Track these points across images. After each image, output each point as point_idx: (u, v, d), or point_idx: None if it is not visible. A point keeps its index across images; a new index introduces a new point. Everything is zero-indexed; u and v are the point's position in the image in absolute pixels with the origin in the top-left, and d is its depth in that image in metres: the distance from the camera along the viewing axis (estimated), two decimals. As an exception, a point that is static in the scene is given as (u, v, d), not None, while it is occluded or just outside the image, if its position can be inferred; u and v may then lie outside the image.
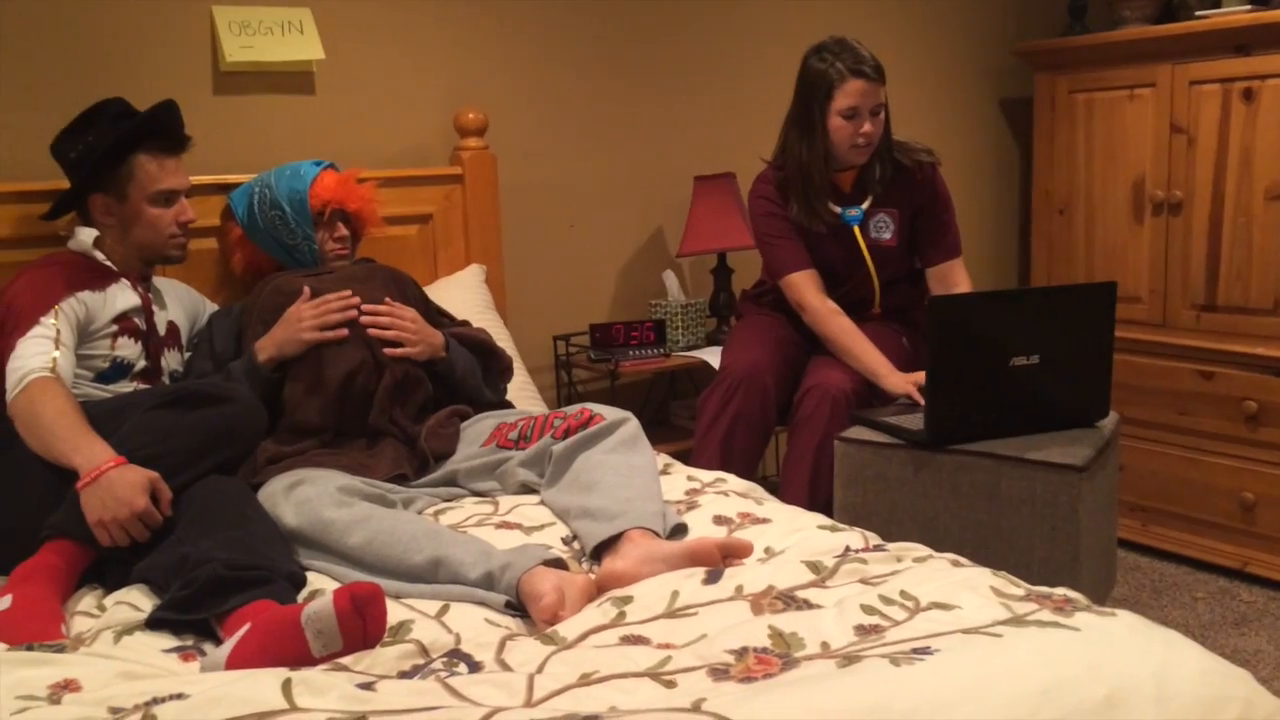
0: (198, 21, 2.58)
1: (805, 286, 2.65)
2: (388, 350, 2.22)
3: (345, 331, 2.19)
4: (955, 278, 2.75)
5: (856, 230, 2.69)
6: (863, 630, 1.34)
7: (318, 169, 2.45)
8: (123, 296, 2.17)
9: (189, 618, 1.56)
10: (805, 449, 2.47)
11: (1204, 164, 3.29)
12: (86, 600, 1.72)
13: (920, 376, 2.43)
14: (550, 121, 3.08)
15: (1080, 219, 3.64)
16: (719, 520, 1.88)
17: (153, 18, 2.53)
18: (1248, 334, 3.23)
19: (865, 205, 2.69)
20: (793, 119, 2.66)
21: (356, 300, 2.22)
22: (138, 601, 1.66)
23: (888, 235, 2.71)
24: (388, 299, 2.29)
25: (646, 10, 3.20)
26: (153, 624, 1.57)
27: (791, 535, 1.77)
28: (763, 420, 2.58)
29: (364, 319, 2.22)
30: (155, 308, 2.24)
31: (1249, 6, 3.25)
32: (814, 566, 1.58)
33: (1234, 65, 3.18)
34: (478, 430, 2.25)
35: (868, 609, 1.39)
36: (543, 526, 1.92)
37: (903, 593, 1.43)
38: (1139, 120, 3.44)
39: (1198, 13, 3.38)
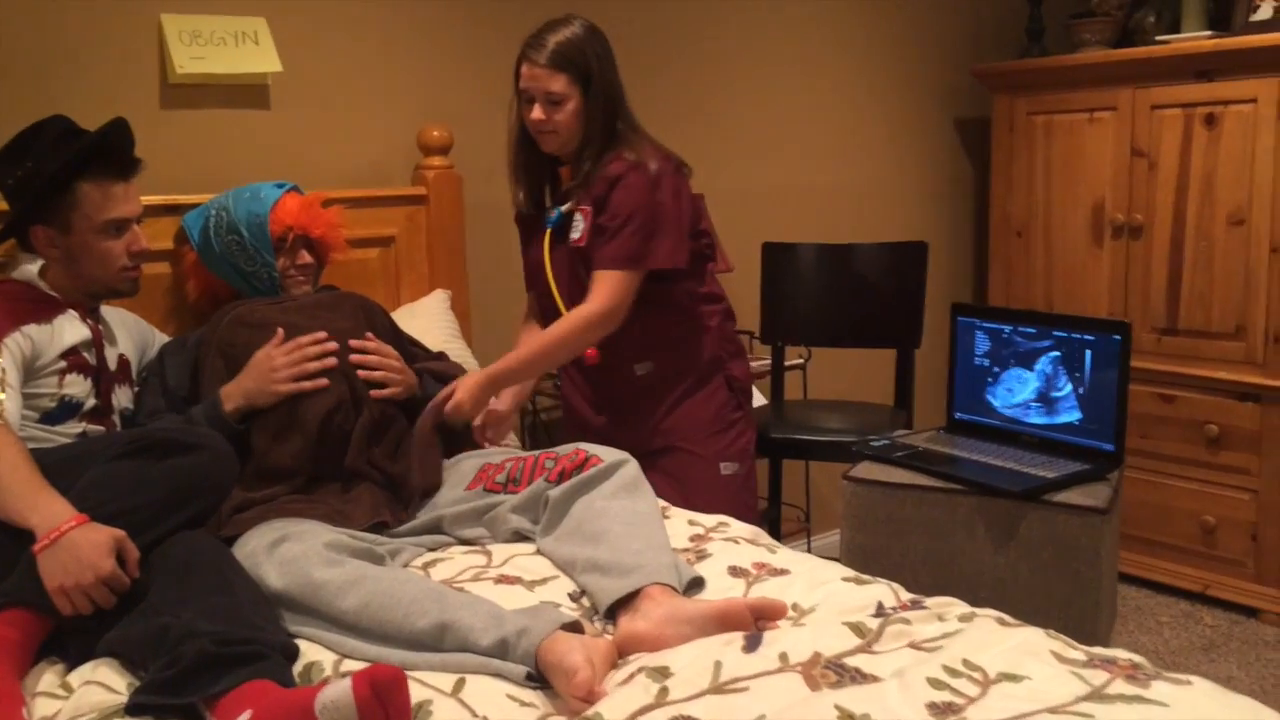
0: (144, 30, 2.39)
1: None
2: (374, 392, 2.07)
3: (325, 382, 2.03)
4: (591, 287, 2.29)
5: (547, 234, 2.39)
6: (937, 709, 1.25)
7: (280, 191, 2.29)
8: (71, 329, 1.99)
9: (176, 701, 1.40)
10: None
11: (1165, 188, 3.31)
12: (48, 678, 1.54)
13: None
14: (516, 139, 2.95)
15: (1039, 241, 3.64)
16: (735, 571, 1.77)
17: (95, 25, 2.34)
18: (1209, 358, 3.25)
19: (565, 207, 2.36)
20: None
21: (334, 346, 2.07)
22: (109, 680, 1.49)
23: (578, 235, 2.34)
24: (369, 334, 2.14)
25: (615, 25, 3.08)
26: (134, 710, 1.40)
27: (817, 589, 1.68)
28: None
29: (354, 358, 2.08)
30: (105, 341, 2.06)
31: (1210, 33, 3.27)
32: (857, 629, 1.49)
33: (1196, 90, 3.20)
34: (460, 472, 2.12)
35: (935, 683, 1.30)
36: (545, 580, 1.79)
37: (966, 662, 1.34)
38: (1099, 143, 3.45)
39: (1158, 38, 3.40)
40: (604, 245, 2.29)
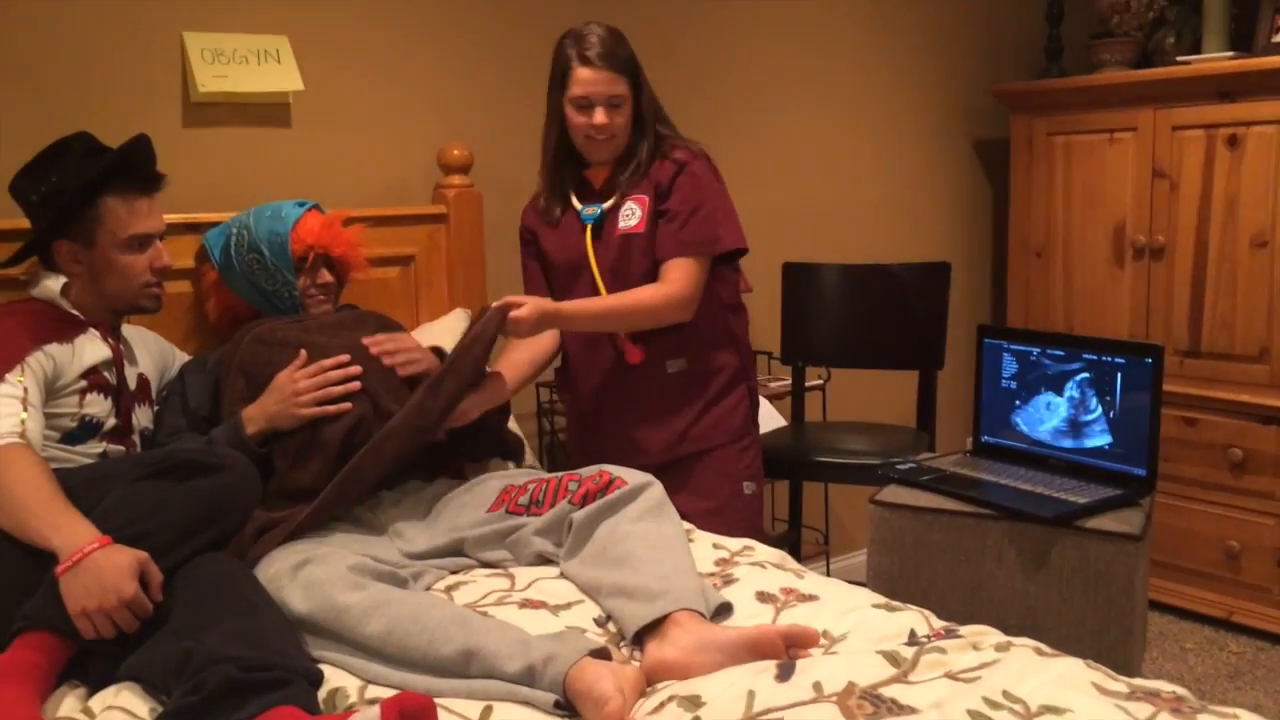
0: (167, 48, 2.39)
1: None
2: (402, 370, 2.08)
3: (349, 406, 2.02)
4: (666, 273, 2.30)
5: (589, 229, 2.36)
6: (979, 742, 1.22)
7: (301, 210, 2.28)
8: (92, 348, 1.97)
9: (200, 728, 1.38)
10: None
11: (1187, 209, 3.28)
12: (69, 702, 1.52)
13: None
14: (537, 158, 2.93)
15: (1059, 262, 3.61)
16: (763, 597, 1.75)
17: (119, 44, 2.34)
18: (1232, 381, 3.21)
19: (607, 205, 2.35)
20: (547, 110, 2.40)
21: (357, 370, 2.05)
22: (131, 705, 1.47)
23: (634, 222, 2.33)
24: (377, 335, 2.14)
25: (633, 45, 3.08)
26: (157, 736, 1.38)
27: (847, 616, 1.65)
28: None
29: (373, 349, 2.09)
30: (125, 360, 2.05)
31: (1232, 54, 3.25)
32: (891, 658, 1.46)
33: (1218, 111, 3.18)
34: (483, 493, 2.09)
35: (976, 715, 1.27)
36: (570, 604, 1.76)
37: (1006, 694, 1.31)
38: (1119, 164, 3.43)
39: (1179, 58, 3.39)
40: (675, 232, 2.29)
